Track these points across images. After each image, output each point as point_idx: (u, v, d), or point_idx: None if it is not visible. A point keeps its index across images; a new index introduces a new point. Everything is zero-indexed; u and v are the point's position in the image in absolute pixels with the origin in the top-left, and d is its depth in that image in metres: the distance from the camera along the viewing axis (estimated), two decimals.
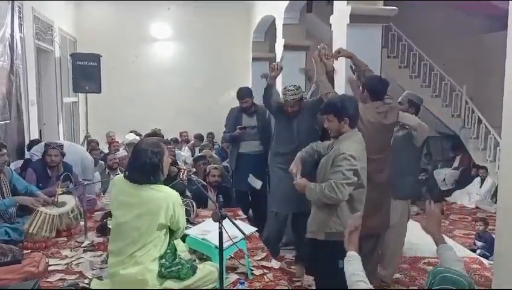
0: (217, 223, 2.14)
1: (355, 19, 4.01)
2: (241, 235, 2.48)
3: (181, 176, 3.90)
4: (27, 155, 4.84)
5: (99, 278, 2.69)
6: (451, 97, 8.30)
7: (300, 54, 6.73)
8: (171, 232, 2.46)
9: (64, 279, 2.77)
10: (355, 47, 3.76)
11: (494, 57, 5.70)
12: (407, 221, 3.93)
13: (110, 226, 2.98)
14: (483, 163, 7.55)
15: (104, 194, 4.97)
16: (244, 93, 4.60)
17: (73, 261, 3.06)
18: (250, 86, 7.15)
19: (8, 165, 3.83)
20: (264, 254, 3.25)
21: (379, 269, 3.62)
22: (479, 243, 4.94)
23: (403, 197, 3.63)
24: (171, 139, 7.30)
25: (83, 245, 3.35)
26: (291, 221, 3.90)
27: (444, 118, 8.35)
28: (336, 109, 2.59)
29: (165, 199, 2.35)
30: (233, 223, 2.24)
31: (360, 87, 3.26)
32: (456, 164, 8.49)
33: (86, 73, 6.77)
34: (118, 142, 7.12)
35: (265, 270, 2.95)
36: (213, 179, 4.57)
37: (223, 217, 2.13)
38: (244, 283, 2.67)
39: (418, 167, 3.94)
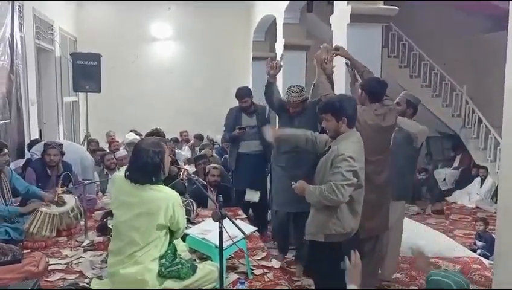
0: (217, 222, 2.14)
1: (356, 18, 4.01)
2: (241, 235, 2.48)
3: (181, 176, 3.90)
4: (27, 155, 4.84)
5: (100, 277, 2.69)
6: (452, 97, 8.29)
7: (300, 53, 6.73)
8: (171, 233, 2.46)
9: (65, 278, 2.77)
10: (355, 47, 3.76)
11: (495, 57, 5.69)
12: (403, 219, 3.93)
13: (110, 226, 2.99)
14: (483, 163, 7.54)
15: (103, 194, 4.97)
16: (243, 93, 4.61)
17: (74, 260, 3.06)
18: (250, 86, 7.15)
19: (8, 165, 3.83)
20: (264, 254, 3.26)
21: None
22: (479, 243, 4.94)
23: (401, 198, 3.63)
24: (171, 138, 7.31)
25: (83, 245, 3.35)
26: (292, 220, 3.90)
27: (444, 118, 8.35)
28: (333, 108, 2.56)
29: (165, 199, 2.34)
30: (234, 223, 2.24)
31: (359, 89, 3.25)
32: (456, 163, 8.49)
33: (86, 72, 6.78)
34: (118, 141, 7.11)
35: (266, 270, 2.95)
36: (212, 179, 4.57)
37: (223, 217, 2.13)
38: (244, 282, 2.67)
39: (415, 167, 3.94)
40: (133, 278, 2.30)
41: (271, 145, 4.10)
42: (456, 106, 8.30)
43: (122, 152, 5.92)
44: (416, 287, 3.76)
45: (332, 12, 4.45)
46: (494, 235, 3.70)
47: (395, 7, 4.09)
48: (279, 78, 3.94)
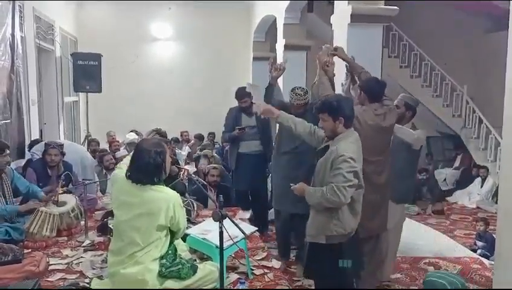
0: (218, 222, 2.14)
1: (356, 18, 4.01)
2: (241, 235, 2.48)
3: (181, 176, 3.90)
4: (28, 155, 4.85)
5: (100, 277, 2.70)
6: (452, 97, 8.30)
7: (301, 53, 6.73)
8: (172, 233, 2.46)
9: (65, 278, 2.77)
10: (356, 47, 3.76)
11: (495, 57, 5.69)
12: (403, 220, 3.93)
13: (110, 226, 2.99)
14: (484, 163, 7.54)
15: (103, 194, 4.97)
16: (243, 94, 4.60)
17: (74, 260, 3.07)
18: None
19: (9, 165, 3.84)
20: (265, 254, 3.26)
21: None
22: (479, 243, 4.94)
23: (400, 201, 3.62)
24: (172, 138, 7.31)
25: (84, 245, 3.35)
26: (294, 221, 3.90)
27: (444, 118, 8.35)
28: (330, 108, 2.54)
29: (166, 200, 2.34)
30: (234, 223, 2.24)
31: (358, 90, 3.25)
32: (456, 163, 8.49)
33: (87, 72, 6.78)
34: (118, 141, 7.12)
35: (266, 270, 2.96)
36: (212, 179, 4.57)
37: (224, 217, 2.13)
38: (244, 282, 2.68)
39: (415, 170, 3.93)
40: (134, 278, 2.30)
41: (271, 146, 4.10)
42: (456, 106, 8.30)
43: (122, 152, 5.92)
44: (416, 287, 3.76)
45: (332, 13, 4.45)
46: (494, 236, 3.70)
47: (396, 7, 4.09)
48: (280, 78, 3.93)
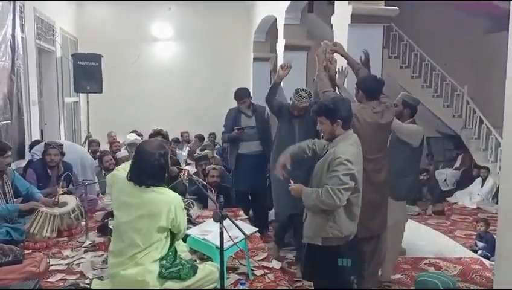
0: (218, 223, 2.14)
1: (357, 19, 4.00)
2: (242, 236, 2.48)
3: (182, 177, 3.90)
4: (28, 155, 4.85)
5: (100, 278, 2.69)
6: (453, 97, 8.29)
7: (301, 54, 6.72)
8: (172, 235, 2.46)
9: (65, 279, 2.77)
10: (356, 47, 3.75)
11: (495, 57, 5.70)
12: (406, 221, 3.93)
13: (111, 226, 2.99)
14: (484, 163, 7.54)
15: (103, 195, 4.97)
16: (242, 94, 4.61)
17: (74, 261, 3.06)
18: (250, 86, 7.14)
19: (9, 166, 3.84)
20: (265, 255, 3.25)
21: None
22: (480, 244, 4.93)
23: (400, 199, 3.62)
24: (172, 139, 7.31)
25: (84, 245, 3.35)
26: (293, 221, 3.90)
27: (445, 119, 8.34)
28: (327, 110, 2.52)
29: (167, 202, 2.33)
30: (234, 223, 2.24)
31: (355, 87, 3.25)
32: (457, 164, 8.48)
33: (87, 73, 6.77)
34: (119, 142, 7.12)
35: (266, 271, 2.95)
36: (212, 180, 4.57)
37: (224, 217, 2.13)
38: (245, 283, 2.67)
39: (417, 168, 3.92)
40: (134, 279, 2.30)
41: (271, 146, 4.10)
42: (457, 107, 8.30)
43: (123, 152, 5.92)
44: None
45: (333, 13, 4.45)
46: (495, 236, 3.69)
47: (396, 8, 4.09)
48: None
